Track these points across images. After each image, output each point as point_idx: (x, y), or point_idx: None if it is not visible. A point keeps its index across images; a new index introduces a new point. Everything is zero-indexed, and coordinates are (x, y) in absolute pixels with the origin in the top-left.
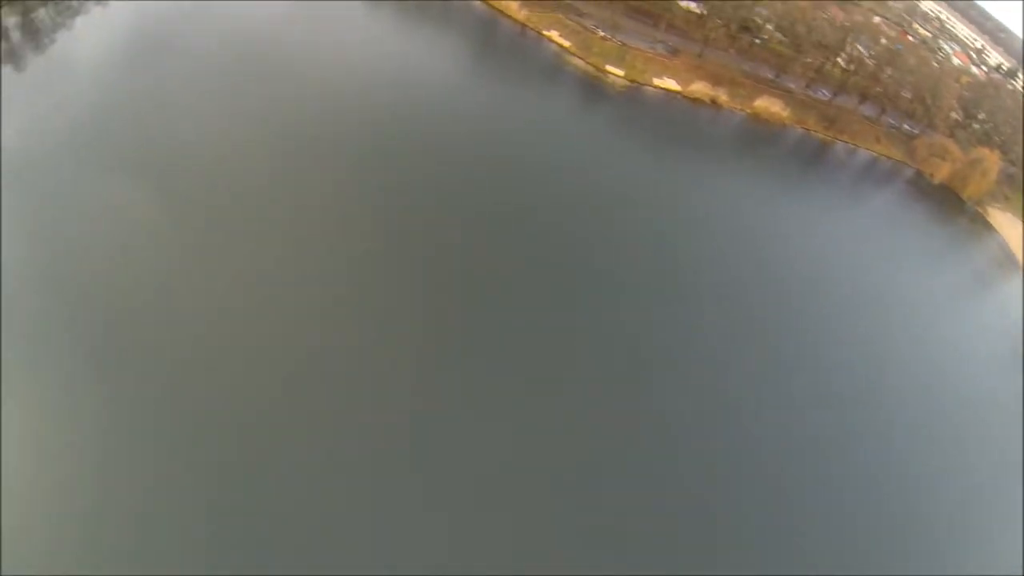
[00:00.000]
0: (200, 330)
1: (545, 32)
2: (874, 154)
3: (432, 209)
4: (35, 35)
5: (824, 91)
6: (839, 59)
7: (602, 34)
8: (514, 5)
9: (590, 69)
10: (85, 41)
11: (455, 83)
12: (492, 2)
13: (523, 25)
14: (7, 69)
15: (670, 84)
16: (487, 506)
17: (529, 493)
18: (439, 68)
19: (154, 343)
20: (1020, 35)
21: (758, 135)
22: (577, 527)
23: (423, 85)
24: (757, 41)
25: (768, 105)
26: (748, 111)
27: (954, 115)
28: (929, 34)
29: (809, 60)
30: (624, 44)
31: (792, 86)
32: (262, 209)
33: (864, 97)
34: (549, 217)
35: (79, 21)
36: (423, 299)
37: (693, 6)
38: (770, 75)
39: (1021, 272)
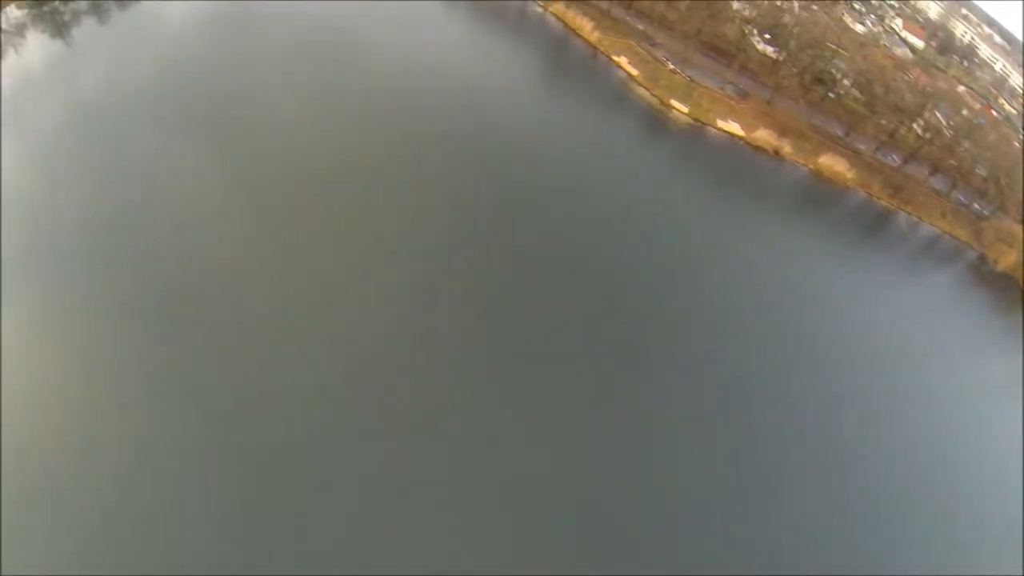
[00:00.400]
0: (252, 303)
1: (615, 57)
2: (938, 230)
3: (477, 214)
4: None
5: (894, 156)
6: (915, 125)
7: (672, 67)
8: (587, 26)
9: (655, 101)
10: (173, 5)
11: (520, 95)
12: (566, 20)
13: (594, 47)
14: (91, 21)
15: (734, 128)
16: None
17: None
18: (507, 78)
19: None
20: None
21: (818, 193)
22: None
23: (489, 92)
24: (831, 95)
25: (833, 163)
26: (811, 167)
27: None
28: (1015, 111)
29: (883, 122)
30: (693, 80)
31: (861, 147)
32: (322, 192)
33: (936, 169)
34: (591, 244)
35: None
36: (469, 301)
37: (770, 51)
38: (839, 132)
39: None
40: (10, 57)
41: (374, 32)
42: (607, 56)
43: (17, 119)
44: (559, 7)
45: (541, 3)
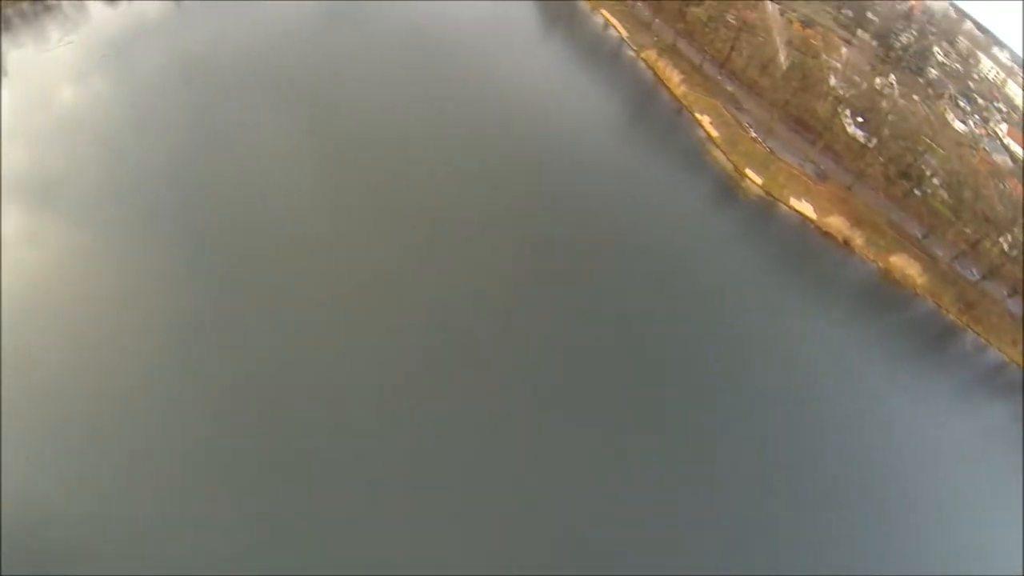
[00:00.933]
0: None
1: (698, 115)
2: (1006, 358)
3: (539, 247)
4: None
5: (972, 270)
6: (1002, 240)
7: (753, 135)
8: (676, 78)
9: (729, 166)
10: None
11: (598, 137)
12: (656, 68)
13: (679, 101)
14: None
15: (806, 209)
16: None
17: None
18: (589, 117)
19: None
20: None
21: (882, 294)
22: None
23: (570, 127)
24: (916, 192)
25: (905, 265)
26: (881, 264)
27: None
28: None
29: (967, 230)
30: (772, 152)
31: (939, 253)
32: (396, 196)
33: (1015, 291)
34: (641, 298)
35: None
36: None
37: (859, 134)
38: (918, 233)
39: None
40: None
41: (477, 49)
42: (690, 112)
43: (123, 64)
44: (651, 55)
45: (634, 48)
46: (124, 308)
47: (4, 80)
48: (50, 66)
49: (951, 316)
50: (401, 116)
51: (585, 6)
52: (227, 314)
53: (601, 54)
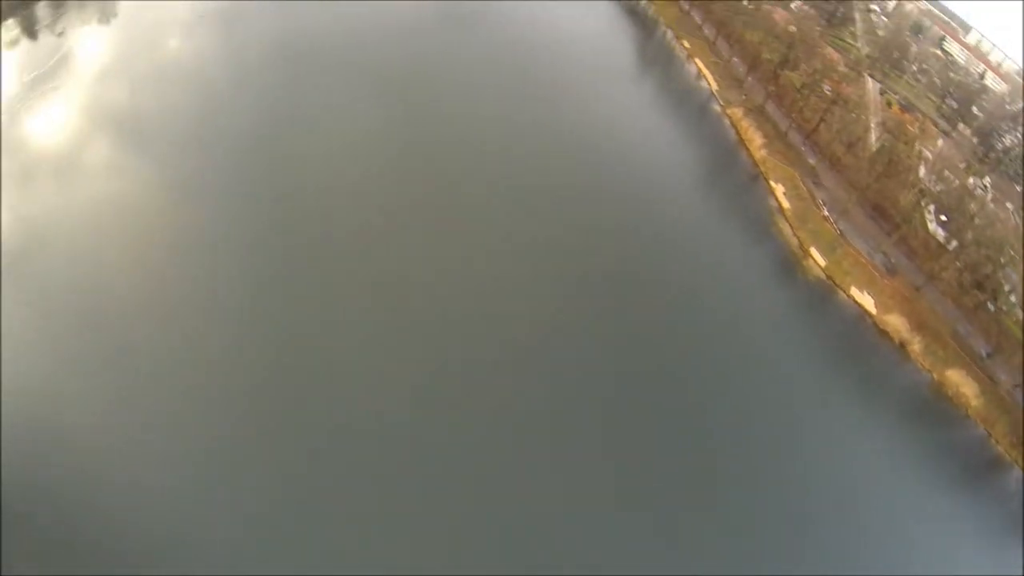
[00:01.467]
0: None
1: (772, 183)
2: None
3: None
4: None
5: None
6: None
7: (826, 214)
8: (758, 141)
9: (794, 242)
10: None
11: (667, 182)
12: (739, 128)
13: (756, 166)
14: None
15: (867, 302)
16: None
17: None
18: (663, 162)
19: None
20: None
21: (930, 408)
22: None
23: (640, 167)
24: (989, 306)
25: (961, 382)
26: (935, 376)
27: None
28: None
29: None
30: (842, 235)
31: (1001, 376)
32: (465, 207)
33: None
34: (678, 357)
35: None
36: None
37: (940, 233)
38: (982, 351)
39: None
40: None
41: (572, 74)
42: (765, 179)
43: (231, 28)
44: (737, 112)
45: (722, 103)
46: (176, 245)
47: (115, 23)
48: (161, 18)
49: (1001, 447)
50: (485, 126)
51: (682, 53)
52: (275, 276)
53: (688, 104)
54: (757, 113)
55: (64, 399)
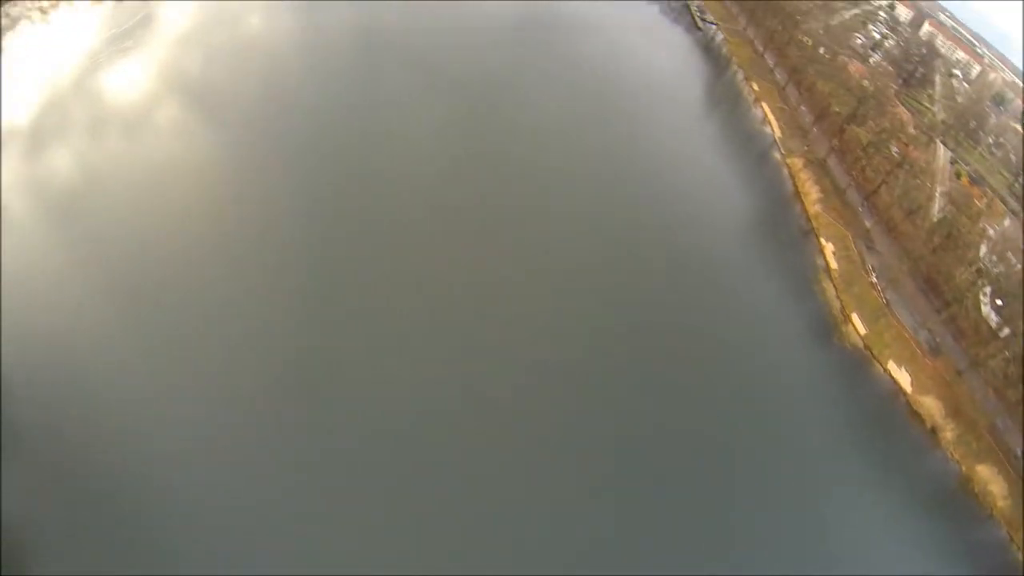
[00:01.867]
0: None
1: (823, 241)
2: None
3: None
4: None
5: None
6: None
7: (874, 280)
8: (814, 195)
9: (836, 305)
10: None
11: (715, 224)
12: (797, 180)
13: (809, 220)
14: None
15: (903, 379)
16: None
17: None
18: (714, 204)
19: None
20: None
21: (952, 502)
22: None
23: (690, 205)
24: None
25: (990, 479)
26: (964, 469)
27: None
28: None
29: None
30: (888, 306)
31: None
32: (524, 218)
33: None
34: (700, 411)
35: None
36: None
37: (993, 319)
38: (1019, 450)
39: None
40: None
41: (642, 100)
42: (816, 236)
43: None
44: (797, 163)
45: (783, 152)
46: (225, 214)
47: None
48: None
49: (1022, 555)
50: (547, 143)
51: (750, 95)
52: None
53: (749, 148)
54: (818, 166)
55: (85, 336)
